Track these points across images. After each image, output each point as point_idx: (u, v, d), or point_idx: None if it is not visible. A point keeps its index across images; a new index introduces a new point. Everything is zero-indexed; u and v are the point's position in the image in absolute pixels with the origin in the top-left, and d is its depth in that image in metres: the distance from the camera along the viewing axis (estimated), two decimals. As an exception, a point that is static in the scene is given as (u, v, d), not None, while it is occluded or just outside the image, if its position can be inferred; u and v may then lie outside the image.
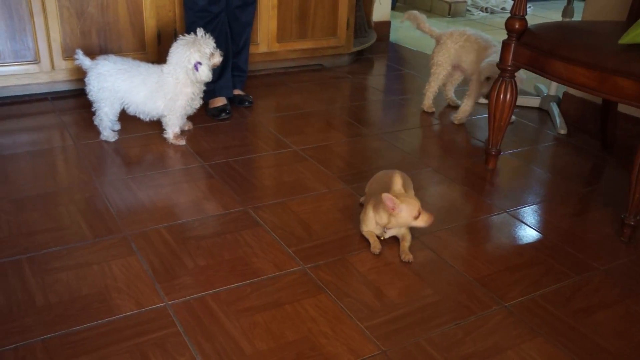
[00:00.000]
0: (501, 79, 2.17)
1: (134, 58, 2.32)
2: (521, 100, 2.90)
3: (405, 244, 1.71)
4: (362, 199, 1.94)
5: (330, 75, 3.34)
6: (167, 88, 2.23)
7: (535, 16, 5.18)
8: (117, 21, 2.70)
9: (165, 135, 2.34)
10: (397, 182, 1.67)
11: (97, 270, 1.56)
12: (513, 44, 2.09)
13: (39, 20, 2.54)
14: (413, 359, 1.33)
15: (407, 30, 4.56)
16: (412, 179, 1.88)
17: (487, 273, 1.65)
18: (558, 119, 2.76)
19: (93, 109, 2.29)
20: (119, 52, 2.70)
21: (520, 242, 1.82)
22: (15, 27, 2.52)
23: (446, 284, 1.59)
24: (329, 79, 3.29)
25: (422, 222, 1.66)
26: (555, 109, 2.84)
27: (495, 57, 2.50)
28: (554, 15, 5.07)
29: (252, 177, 2.11)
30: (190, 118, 2.44)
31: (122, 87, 2.22)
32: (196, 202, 1.93)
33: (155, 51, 2.80)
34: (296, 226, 1.82)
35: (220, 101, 2.65)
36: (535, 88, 3.20)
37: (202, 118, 2.59)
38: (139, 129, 2.44)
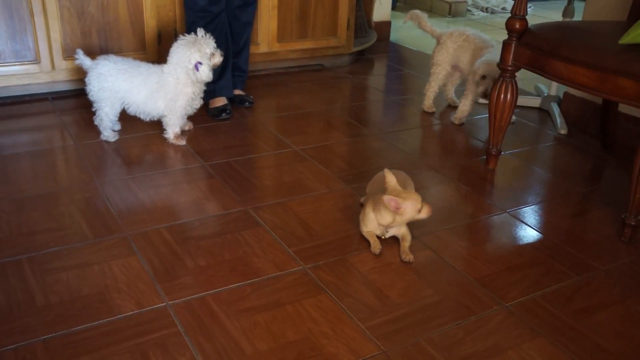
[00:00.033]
0: (501, 79, 2.17)
1: (135, 58, 2.32)
2: (521, 100, 2.90)
3: (406, 244, 1.71)
4: (362, 199, 1.94)
5: (330, 75, 3.34)
6: (167, 88, 2.23)
7: (536, 16, 5.18)
8: (118, 21, 2.70)
9: (165, 135, 2.34)
10: (390, 179, 1.67)
11: (97, 270, 1.56)
12: (513, 44, 2.09)
13: (39, 20, 2.54)
14: (413, 359, 1.33)
15: (408, 30, 4.56)
16: (412, 179, 1.88)
17: (487, 273, 1.65)
18: (558, 119, 2.76)
19: (93, 109, 2.29)
20: (119, 52, 2.70)
21: (521, 242, 1.82)
22: (16, 27, 2.52)
23: (446, 284, 1.59)
24: (329, 79, 3.29)
25: (425, 214, 1.67)
26: (555, 109, 2.84)
27: (490, 56, 2.51)
28: (554, 15, 5.07)
29: (252, 177, 2.11)
30: (190, 118, 2.44)
31: (123, 87, 2.22)
32: (196, 202, 1.93)
33: (156, 51, 2.80)
34: (296, 226, 1.82)
35: (220, 101, 2.65)
36: (535, 88, 3.20)
37: (202, 118, 2.59)
38: (139, 129, 2.44)
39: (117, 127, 2.38)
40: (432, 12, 5.41)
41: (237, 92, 2.80)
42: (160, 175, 2.09)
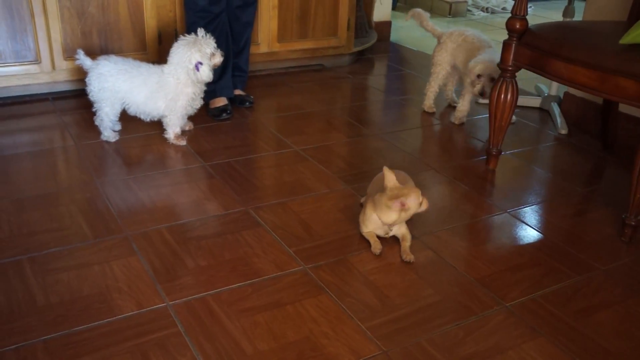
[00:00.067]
0: (502, 79, 2.17)
1: (135, 58, 2.32)
2: (522, 100, 2.90)
3: (406, 244, 1.71)
4: (362, 200, 1.94)
5: (331, 76, 3.34)
6: (167, 88, 2.23)
7: (536, 16, 5.18)
8: (118, 21, 2.70)
9: (166, 136, 2.34)
10: (390, 177, 1.67)
11: (98, 270, 1.56)
12: (514, 44, 2.09)
13: (39, 20, 2.54)
14: (414, 359, 1.33)
15: (408, 31, 4.56)
16: (413, 179, 1.88)
17: (488, 273, 1.65)
18: (559, 119, 2.75)
19: (94, 109, 2.29)
20: (119, 52, 2.70)
21: (521, 242, 1.82)
22: (16, 27, 2.52)
23: (447, 284, 1.59)
24: (329, 79, 3.29)
25: (425, 206, 1.69)
26: (556, 109, 2.84)
27: (485, 56, 2.51)
28: (554, 15, 5.07)
29: (252, 177, 2.11)
30: (191, 118, 2.44)
31: (123, 88, 2.22)
32: (197, 202, 1.93)
33: (156, 51, 2.80)
34: (297, 226, 1.82)
35: (221, 101, 2.65)
36: (536, 88, 3.20)
37: (202, 118, 2.59)
38: (139, 129, 2.45)
39: (118, 127, 2.38)
40: (432, 12, 5.41)
41: (238, 92, 2.80)
42: (160, 175, 2.09)
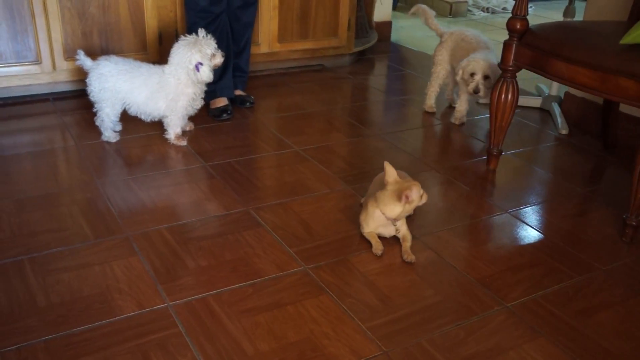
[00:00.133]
0: (502, 79, 2.17)
1: (135, 58, 2.32)
2: (522, 101, 2.90)
3: (407, 244, 1.71)
4: (362, 200, 1.94)
5: (331, 76, 3.34)
6: (168, 89, 2.23)
7: (537, 16, 5.18)
8: (119, 22, 2.70)
9: (166, 136, 2.34)
10: (391, 172, 1.68)
11: (98, 270, 1.56)
12: (514, 44, 2.09)
13: (40, 21, 2.54)
14: (414, 359, 1.33)
15: (409, 31, 4.56)
16: (413, 179, 1.87)
17: (488, 273, 1.65)
18: (559, 119, 2.75)
19: (94, 110, 2.29)
20: (120, 52, 2.70)
21: (522, 243, 1.82)
22: (17, 28, 2.52)
23: (448, 284, 1.59)
24: (330, 79, 3.29)
25: (425, 198, 1.72)
26: (556, 109, 2.84)
27: (477, 54, 2.51)
28: (555, 15, 5.07)
29: (253, 177, 2.11)
30: (191, 118, 2.44)
31: (124, 88, 2.22)
32: (197, 202, 1.93)
33: (157, 52, 2.81)
34: (297, 227, 1.82)
35: (221, 102, 2.65)
36: (536, 88, 3.20)
37: (203, 118, 2.59)
38: (140, 129, 2.45)
39: (118, 127, 2.38)
40: (432, 12, 5.40)
41: (238, 92, 2.80)
42: (161, 175, 2.09)
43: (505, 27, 2.12)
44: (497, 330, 1.43)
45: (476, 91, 2.52)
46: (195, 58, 2.19)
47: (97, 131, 2.34)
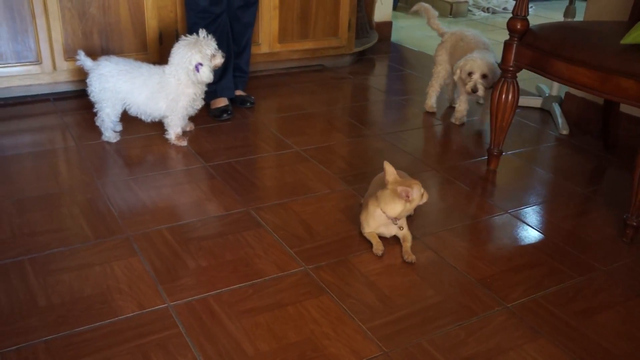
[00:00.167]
0: (503, 79, 2.17)
1: (136, 59, 2.32)
2: (523, 101, 2.90)
3: (407, 244, 1.71)
4: (362, 200, 1.94)
5: (331, 76, 3.34)
6: (168, 89, 2.23)
7: (537, 16, 5.18)
8: (119, 22, 2.70)
9: (166, 136, 2.34)
10: (390, 171, 1.68)
11: (99, 271, 1.56)
12: (515, 45, 2.09)
13: (40, 21, 2.54)
14: (415, 359, 1.33)
15: (409, 31, 4.56)
16: (413, 179, 1.88)
17: (489, 274, 1.65)
18: (560, 120, 2.75)
19: (95, 110, 2.29)
20: (120, 52, 2.70)
21: (522, 243, 1.82)
22: (17, 28, 2.53)
23: (448, 285, 1.59)
24: (330, 79, 3.29)
25: (425, 197, 1.72)
26: (557, 110, 2.84)
27: (473, 54, 2.51)
28: (555, 15, 5.07)
29: (253, 177, 2.11)
30: (191, 119, 2.44)
31: (124, 88, 2.22)
32: (198, 203, 1.93)
33: (157, 52, 2.81)
34: (298, 227, 1.82)
35: (221, 102, 2.65)
36: (537, 88, 3.20)
37: (203, 119, 2.59)
38: (140, 129, 2.45)
39: (119, 128, 2.38)
40: (433, 12, 5.40)
41: (239, 92, 2.80)
42: (161, 176, 2.09)
43: (505, 27, 2.12)
44: (497, 330, 1.43)
45: (474, 90, 2.52)
46: (195, 58, 2.19)
47: (97, 131, 2.34)
